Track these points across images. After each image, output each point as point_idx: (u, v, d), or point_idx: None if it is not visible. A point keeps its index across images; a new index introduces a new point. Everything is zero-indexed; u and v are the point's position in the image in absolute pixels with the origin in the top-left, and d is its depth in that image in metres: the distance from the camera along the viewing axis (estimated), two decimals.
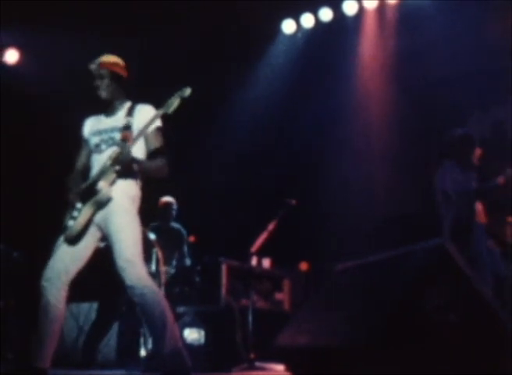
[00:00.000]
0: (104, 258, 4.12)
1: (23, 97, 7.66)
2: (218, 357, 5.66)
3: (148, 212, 6.81)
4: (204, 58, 8.19)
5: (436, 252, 2.95)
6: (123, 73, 4.28)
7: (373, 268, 3.38)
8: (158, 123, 4.09)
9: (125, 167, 3.91)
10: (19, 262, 6.64)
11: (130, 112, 4.14)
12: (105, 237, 4.02)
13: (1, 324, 6.22)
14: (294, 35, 8.56)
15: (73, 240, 3.94)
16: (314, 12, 8.29)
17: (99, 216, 3.97)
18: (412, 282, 2.89)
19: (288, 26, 8.51)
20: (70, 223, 3.94)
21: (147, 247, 5.79)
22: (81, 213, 3.93)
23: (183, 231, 7.02)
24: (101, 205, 3.94)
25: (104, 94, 4.20)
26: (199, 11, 7.61)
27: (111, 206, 3.94)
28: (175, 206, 7.07)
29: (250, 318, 5.61)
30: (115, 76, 4.22)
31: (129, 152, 3.89)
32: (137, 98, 4.23)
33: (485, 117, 7.07)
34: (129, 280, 3.82)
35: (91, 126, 4.27)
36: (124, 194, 4.00)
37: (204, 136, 8.52)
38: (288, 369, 3.37)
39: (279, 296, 6.71)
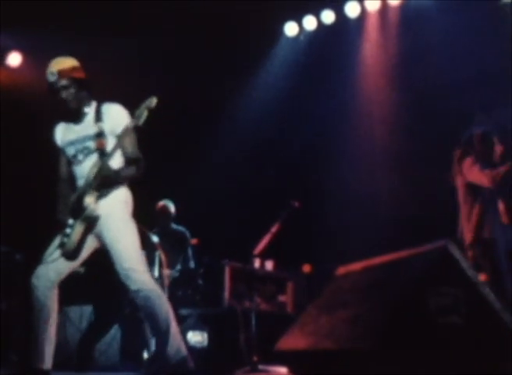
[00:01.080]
0: (103, 260, 4.11)
1: (25, 100, 7.67)
2: (221, 359, 5.66)
3: (150, 216, 6.86)
4: (206, 60, 8.19)
5: (439, 254, 2.94)
6: (84, 76, 4.09)
7: (376, 270, 3.38)
8: (128, 121, 3.96)
9: (107, 181, 3.91)
10: (22, 264, 6.64)
11: (99, 116, 4.04)
12: (103, 246, 4.03)
13: (5, 326, 6.22)
14: (297, 38, 8.56)
15: (70, 255, 3.95)
16: (317, 15, 8.28)
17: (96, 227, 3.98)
18: (415, 284, 2.88)
19: (290, 29, 8.51)
20: (65, 240, 3.93)
21: (150, 250, 5.80)
22: (74, 230, 3.92)
23: (188, 234, 7.00)
24: (91, 222, 3.93)
25: (72, 104, 4.04)
26: (201, 13, 7.61)
27: (105, 216, 3.94)
28: (171, 209, 7.04)
29: (253, 320, 5.60)
30: (78, 83, 4.04)
31: (108, 167, 3.88)
32: (138, 99, 4.10)
33: (487, 119, 7.06)
34: (134, 285, 3.84)
35: (63, 135, 4.18)
36: (117, 201, 4.01)
37: (207, 137, 8.52)
38: (291, 371, 3.36)
39: (282, 298, 6.70)
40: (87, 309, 6.70)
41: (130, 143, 4.02)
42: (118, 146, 3.93)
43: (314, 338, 3.19)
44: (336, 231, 7.46)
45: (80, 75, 4.06)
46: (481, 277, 3.49)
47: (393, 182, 7.28)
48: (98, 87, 4.26)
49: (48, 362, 3.85)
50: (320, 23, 8.29)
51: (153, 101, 3.89)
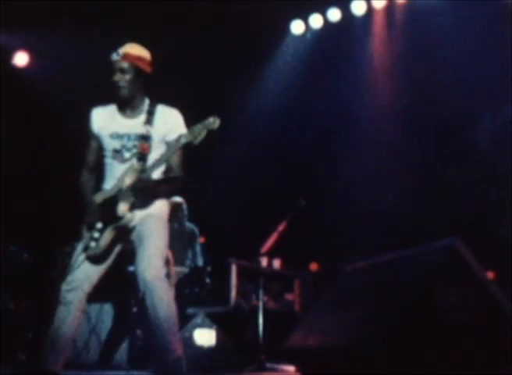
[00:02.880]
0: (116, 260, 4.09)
1: (32, 100, 7.69)
2: (229, 358, 5.66)
3: None
4: (211, 59, 8.19)
5: (447, 252, 2.94)
6: (147, 70, 3.90)
7: (383, 268, 3.38)
8: (183, 132, 3.75)
9: (144, 193, 3.76)
10: (29, 263, 6.65)
11: (150, 118, 3.84)
12: (133, 239, 3.88)
13: (13, 325, 6.24)
14: (303, 36, 8.56)
15: (96, 260, 3.81)
16: (323, 13, 8.28)
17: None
18: (422, 282, 2.88)
19: (297, 27, 8.51)
20: (92, 244, 3.78)
21: None
22: (103, 236, 3.77)
23: (196, 230, 7.00)
24: (124, 231, 3.79)
25: (123, 91, 3.82)
26: (206, 12, 7.61)
27: (151, 212, 3.84)
28: (184, 206, 7.04)
29: (260, 318, 5.61)
30: (138, 72, 3.84)
31: (148, 179, 3.74)
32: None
33: (496, 116, 7.05)
34: (145, 281, 3.69)
35: (103, 122, 3.92)
36: (163, 206, 3.93)
37: (213, 135, 8.51)
38: (298, 369, 3.37)
39: (289, 296, 6.70)
40: (96, 307, 6.71)
41: (178, 160, 3.87)
42: (163, 159, 3.76)
43: (321, 336, 3.20)
44: (342, 230, 7.46)
45: (144, 66, 3.87)
46: (489, 275, 3.48)
47: (400, 181, 7.28)
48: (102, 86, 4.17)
49: (59, 366, 3.82)
50: (326, 21, 8.29)
51: (215, 123, 3.67)
